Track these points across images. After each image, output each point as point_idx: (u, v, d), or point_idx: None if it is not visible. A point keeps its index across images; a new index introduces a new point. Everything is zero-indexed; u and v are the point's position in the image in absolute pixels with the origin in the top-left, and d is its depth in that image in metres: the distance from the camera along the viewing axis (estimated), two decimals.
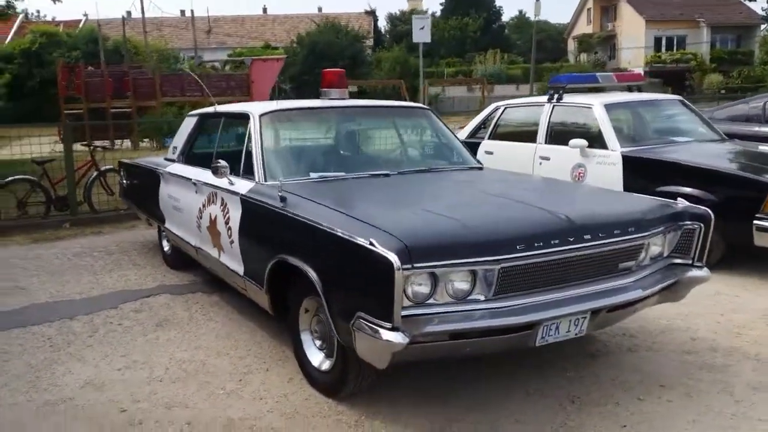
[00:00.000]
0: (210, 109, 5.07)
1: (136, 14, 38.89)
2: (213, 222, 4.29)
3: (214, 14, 55.98)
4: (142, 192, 6.16)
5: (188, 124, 5.52)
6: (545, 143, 6.76)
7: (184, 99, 20.03)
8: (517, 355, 3.66)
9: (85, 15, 50.55)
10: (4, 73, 37.09)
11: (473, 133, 7.79)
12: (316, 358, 3.45)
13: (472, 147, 7.54)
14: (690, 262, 3.54)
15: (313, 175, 3.99)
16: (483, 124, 7.71)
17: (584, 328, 3.13)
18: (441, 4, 55.46)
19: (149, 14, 56.79)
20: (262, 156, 4.01)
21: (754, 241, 5.02)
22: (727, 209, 5.17)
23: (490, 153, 7.40)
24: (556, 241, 2.94)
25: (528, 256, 2.88)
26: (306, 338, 3.51)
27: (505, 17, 54.20)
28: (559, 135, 6.68)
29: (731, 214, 5.15)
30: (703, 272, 3.53)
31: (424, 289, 2.79)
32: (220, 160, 4.02)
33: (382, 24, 58.09)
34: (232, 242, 4.02)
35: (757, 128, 8.04)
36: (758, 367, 3.62)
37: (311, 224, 3.16)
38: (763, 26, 42.26)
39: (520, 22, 57.84)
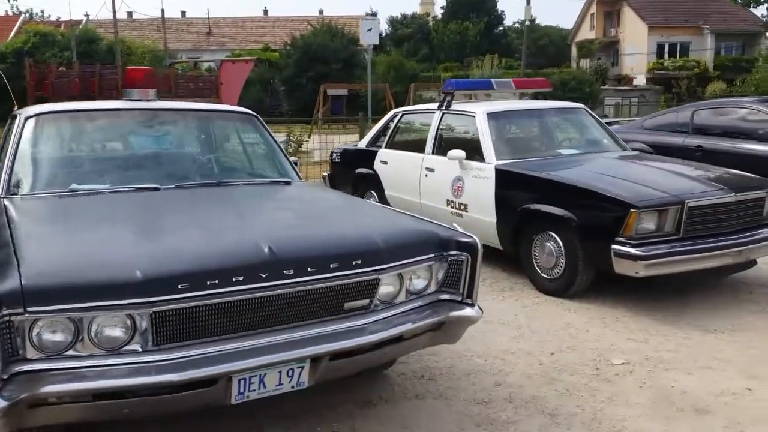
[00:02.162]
0: None
1: (107, 14, 38.55)
2: None
3: (214, 16, 55.58)
4: None
5: None
6: (432, 153, 6.22)
7: None
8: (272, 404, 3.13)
9: (87, 15, 50.37)
10: None
11: (373, 141, 7.27)
12: None
13: (371, 156, 7.05)
14: (459, 298, 3.00)
15: (74, 186, 3.50)
16: (383, 132, 7.17)
17: (304, 380, 2.60)
18: (442, 8, 54.93)
19: (149, 15, 56.70)
20: (12, 164, 3.53)
21: (614, 268, 4.45)
22: (589, 231, 4.63)
23: (385, 163, 6.89)
24: (240, 278, 2.42)
25: (194, 297, 2.36)
26: None
27: (508, 21, 53.51)
28: (446, 145, 6.14)
29: (593, 236, 4.60)
30: (472, 311, 2.98)
31: (60, 338, 2.28)
32: None
33: (384, 27, 57.63)
34: None
35: (683, 139, 7.45)
36: (546, 426, 3.06)
37: None
38: None
39: (523, 28, 57.03)
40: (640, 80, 42.65)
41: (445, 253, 2.95)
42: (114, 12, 32.64)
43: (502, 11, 53.03)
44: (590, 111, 6.35)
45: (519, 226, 5.18)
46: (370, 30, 13.39)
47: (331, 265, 2.59)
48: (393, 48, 50.85)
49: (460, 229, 3.10)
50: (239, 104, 24.30)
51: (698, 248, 4.41)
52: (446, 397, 3.36)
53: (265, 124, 4.38)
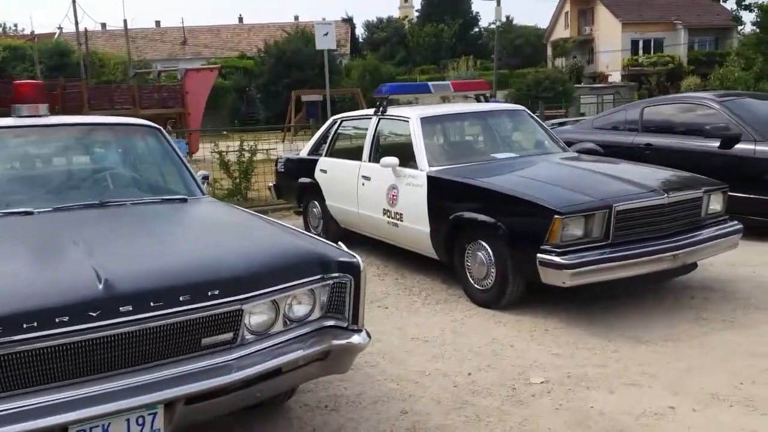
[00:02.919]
0: None
1: (69, 27, 38.10)
2: None
3: (189, 25, 55.13)
4: None
5: None
6: (369, 161, 5.98)
7: (114, 112, 19.26)
8: None
9: (60, 28, 49.76)
10: None
11: (314, 149, 7.02)
12: None
13: (312, 165, 6.80)
14: (345, 324, 2.75)
15: None
16: (323, 139, 6.92)
17: (159, 428, 2.34)
18: (417, 11, 54.86)
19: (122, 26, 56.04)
20: None
21: (541, 278, 4.23)
22: (516, 239, 4.41)
23: (324, 171, 6.64)
24: (64, 319, 2.15)
25: (8, 343, 2.09)
26: None
27: (484, 22, 53.45)
28: (383, 152, 5.91)
29: (519, 244, 4.38)
30: (359, 338, 2.73)
31: None
32: None
33: (360, 31, 57.50)
34: None
35: (632, 138, 7.25)
36: None
37: None
38: (740, 27, 41.49)
39: (501, 28, 57.00)
40: (616, 77, 42.72)
41: (326, 276, 2.70)
42: (76, 23, 31.99)
43: (477, 13, 53.13)
44: (529, 113, 6.13)
45: (451, 236, 4.95)
46: (326, 34, 13.14)
47: (181, 298, 2.33)
48: (369, 52, 50.66)
49: (344, 249, 2.86)
50: (206, 112, 24.02)
51: (628, 254, 4.19)
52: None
53: (168, 137, 4.12)
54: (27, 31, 52.20)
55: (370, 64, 40.04)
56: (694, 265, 4.85)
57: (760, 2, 29.87)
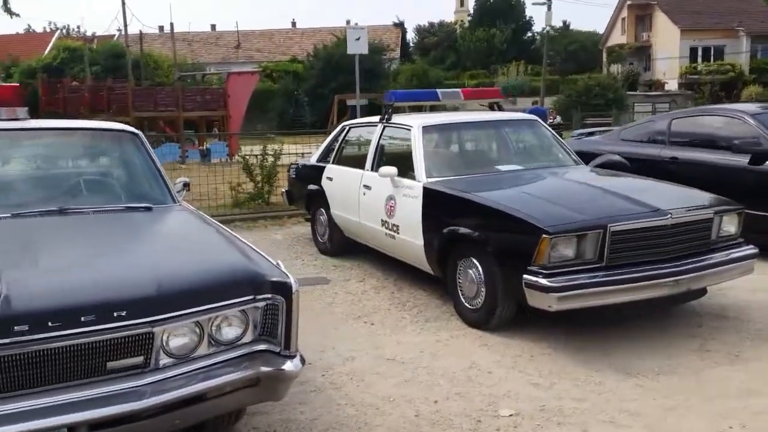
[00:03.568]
0: None
1: (146, 29, 39.14)
2: None
3: (243, 29, 56.06)
4: None
5: None
6: (371, 170, 5.80)
7: (157, 114, 19.64)
8: None
9: (119, 30, 51.24)
10: (26, 88, 37.70)
11: (323, 156, 6.88)
12: None
13: (320, 172, 6.68)
14: (278, 349, 2.58)
15: None
16: (331, 146, 6.78)
17: None
18: (469, 15, 54.41)
19: (181, 29, 57.40)
20: None
21: (527, 301, 3.96)
22: (505, 257, 4.17)
23: (330, 179, 6.50)
24: None
25: None
26: None
27: (537, 27, 52.61)
28: (387, 161, 5.72)
29: (508, 263, 4.13)
30: (290, 365, 2.56)
31: None
32: None
33: (411, 36, 57.41)
34: None
35: (659, 150, 6.87)
36: None
37: None
38: None
39: (556, 33, 56.03)
40: (673, 85, 41.41)
41: (257, 297, 2.54)
42: (125, 26, 32.72)
43: (531, 17, 52.28)
44: (542, 123, 5.84)
45: (444, 250, 4.73)
46: (358, 39, 13.00)
47: (83, 318, 2.20)
48: (419, 56, 50.54)
49: (281, 268, 2.69)
50: (255, 114, 24.19)
51: (623, 278, 3.89)
52: None
53: (146, 143, 4.03)
54: (89, 33, 54.01)
55: (419, 69, 39.88)
56: (703, 291, 4.50)
57: None
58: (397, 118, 5.77)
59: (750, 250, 4.43)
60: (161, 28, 59.00)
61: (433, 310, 4.93)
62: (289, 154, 10.09)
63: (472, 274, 4.45)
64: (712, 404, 3.33)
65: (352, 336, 4.40)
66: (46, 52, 47.62)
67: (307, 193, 6.96)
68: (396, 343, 4.27)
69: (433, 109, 7.07)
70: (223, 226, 3.48)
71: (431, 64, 46.39)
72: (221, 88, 20.79)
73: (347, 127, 6.63)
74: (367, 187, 5.74)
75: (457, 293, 4.65)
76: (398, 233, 5.25)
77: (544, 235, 3.82)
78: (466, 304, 4.56)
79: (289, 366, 2.55)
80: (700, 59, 42.15)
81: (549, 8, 29.43)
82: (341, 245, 6.57)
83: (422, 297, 5.23)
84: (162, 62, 43.26)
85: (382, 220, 5.46)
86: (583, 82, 31.25)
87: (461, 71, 46.42)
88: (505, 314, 4.31)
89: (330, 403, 3.42)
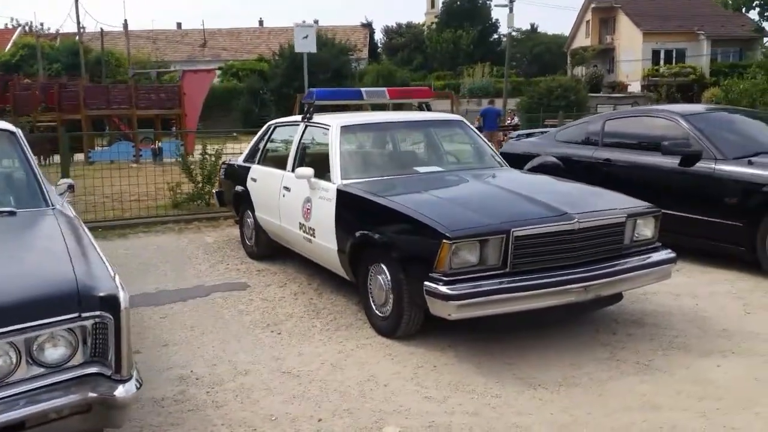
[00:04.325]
0: None
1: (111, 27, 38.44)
2: None
3: (210, 27, 55.38)
4: None
5: None
6: (291, 171, 5.57)
7: (110, 112, 19.14)
8: None
9: (83, 27, 50.20)
10: None
11: (250, 156, 6.64)
12: None
13: (245, 172, 6.44)
14: (110, 372, 2.35)
15: None
16: (257, 146, 6.54)
17: None
18: (436, 17, 54.41)
19: (145, 27, 56.60)
20: None
21: (429, 309, 3.78)
22: (409, 263, 3.98)
23: (255, 180, 6.27)
24: None
25: None
26: None
27: (503, 29, 52.61)
28: (308, 161, 5.51)
29: (412, 269, 3.95)
30: (122, 390, 2.33)
31: None
32: None
33: (379, 36, 57.26)
34: None
35: (593, 152, 6.76)
36: None
37: None
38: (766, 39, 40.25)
39: (521, 36, 56.32)
40: (636, 87, 41.85)
41: (84, 315, 2.30)
42: (78, 22, 32.09)
43: (497, 19, 52.40)
44: (467, 124, 5.67)
45: (355, 255, 4.53)
46: (305, 37, 12.78)
47: None
48: (386, 57, 50.41)
49: (117, 282, 2.46)
50: (219, 113, 23.74)
51: (527, 285, 3.73)
52: None
53: (23, 142, 3.76)
54: (53, 30, 52.79)
55: (384, 69, 39.63)
56: (618, 296, 4.38)
57: None
58: (317, 118, 5.56)
59: (666, 254, 4.31)
60: (125, 25, 58.07)
61: (348, 317, 4.73)
62: (233, 153, 9.81)
63: (381, 280, 4.26)
64: (612, 418, 3.18)
65: (253, 347, 4.18)
66: (7, 49, 46.50)
67: (234, 195, 6.73)
68: (298, 354, 4.06)
69: (375, 108, 6.88)
70: (89, 234, 3.22)
71: (399, 65, 46.24)
72: (176, 86, 20.34)
73: (272, 126, 6.40)
74: (286, 188, 5.52)
75: (368, 300, 4.46)
76: (314, 237, 5.04)
77: (444, 241, 3.65)
78: (377, 312, 4.37)
79: (120, 391, 2.32)
80: (662, 62, 42.70)
81: (511, 10, 29.47)
82: (268, 249, 6.34)
83: (341, 303, 5.03)
84: (124, 60, 42.52)
85: (299, 224, 5.25)
86: (545, 84, 31.35)
87: (428, 72, 46.34)
88: (413, 322, 4.13)
89: (204, 423, 3.19)
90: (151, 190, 9.38)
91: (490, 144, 5.62)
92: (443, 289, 3.63)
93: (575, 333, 4.26)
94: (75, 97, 19.21)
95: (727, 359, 3.83)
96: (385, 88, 6.01)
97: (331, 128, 5.17)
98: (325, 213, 4.82)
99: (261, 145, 6.40)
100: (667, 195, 5.98)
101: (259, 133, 6.61)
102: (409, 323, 4.12)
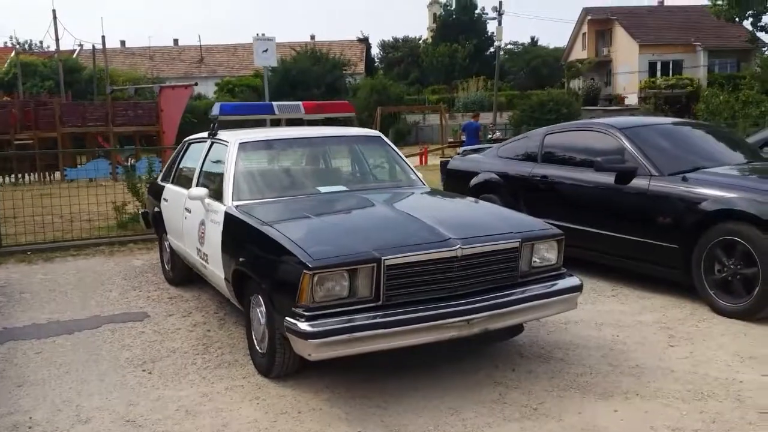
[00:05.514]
0: None
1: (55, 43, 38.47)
2: None
3: (207, 43, 55.51)
4: None
5: None
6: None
7: (86, 129, 18.90)
8: None
9: (80, 45, 50.33)
10: None
11: (165, 175, 6.29)
12: None
13: (160, 192, 6.09)
14: None
15: None
16: (172, 164, 6.19)
17: None
18: (431, 30, 54.31)
19: (143, 43, 56.62)
20: None
21: (293, 347, 3.39)
22: (276, 295, 3.61)
23: (166, 201, 5.91)
24: None
25: None
26: None
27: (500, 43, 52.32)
28: (211, 181, 5.14)
29: (278, 303, 3.57)
30: None
31: None
32: None
33: (375, 51, 57.20)
34: None
35: (531, 168, 6.37)
36: None
37: None
38: (765, 49, 39.80)
39: (518, 49, 56.16)
40: (633, 99, 41.47)
41: None
42: (57, 39, 32.07)
43: (492, 33, 52.10)
44: (385, 140, 5.30)
45: (238, 285, 4.14)
46: (265, 51, 12.48)
47: None
48: (383, 72, 50.31)
49: None
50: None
51: (397, 320, 3.33)
52: None
53: None
54: (52, 49, 52.86)
55: (378, 84, 39.36)
56: (518, 328, 3.98)
57: None
58: (222, 134, 5.20)
59: (571, 282, 3.89)
60: (123, 42, 58.27)
61: (238, 353, 4.34)
62: None
63: (258, 313, 3.88)
64: None
65: (112, 389, 3.79)
66: (5, 67, 46.63)
67: (152, 215, 6.38)
68: (156, 398, 3.66)
69: (292, 123, 6.53)
70: None
71: (395, 79, 46.08)
72: (154, 102, 20.10)
73: (187, 143, 6.05)
74: (188, 210, 5.16)
75: (250, 335, 4.07)
76: (207, 263, 4.67)
77: (305, 271, 3.26)
78: (257, 347, 3.99)
79: None
80: (659, 73, 42.34)
81: (499, 23, 29.20)
82: (183, 273, 5.97)
83: (237, 337, 4.64)
84: (118, 77, 42.48)
85: (197, 248, 4.88)
86: (537, 98, 31.03)
87: (423, 87, 46.17)
88: (288, 362, 3.72)
89: None
90: (111, 209, 9.04)
91: (407, 161, 5.23)
92: (302, 325, 3.24)
93: (470, 369, 3.86)
94: (52, 115, 18.98)
95: (628, 402, 3.42)
96: (300, 103, 5.64)
97: (229, 145, 4.82)
98: (215, 237, 4.45)
99: (175, 164, 6.04)
100: (603, 214, 5.63)
101: (176, 150, 6.26)
102: (284, 363, 3.72)
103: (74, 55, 47.92)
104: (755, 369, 3.78)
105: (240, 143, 4.80)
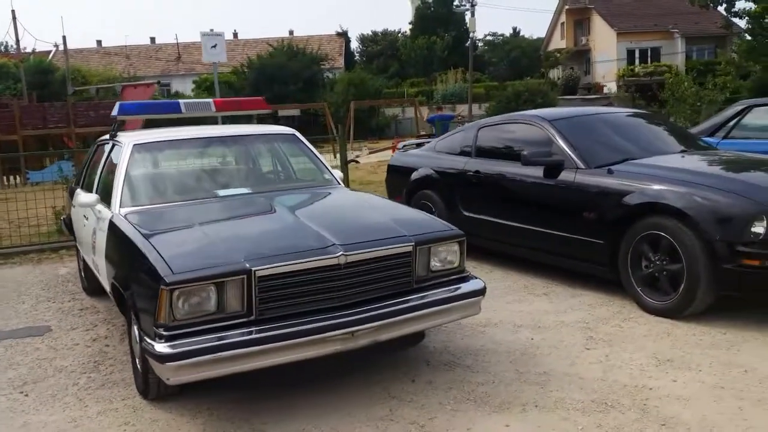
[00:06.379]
0: None
1: (75, 44, 37.93)
2: None
3: (184, 41, 54.84)
4: None
5: None
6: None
7: (47, 131, 18.47)
8: None
9: (56, 46, 49.60)
10: None
11: (77, 180, 5.97)
12: None
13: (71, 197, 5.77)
14: None
15: None
16: (84, 167, 5.87)
17: None
18: (410, 23, 53.93)
19: (120, 42, 56.00)
20: None
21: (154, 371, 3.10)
22: (140, 314, 3.30)
23: (73, 206, 5.58)
24: None
25: None
26: None
27: (478, 34, 52.01)
28: (106, 185, 4.83)
29: (143, 321, 3.26)
30: None
31: None
32: None
33: (355, 45, 56.75)
34: None
35: (465, 162, 6.10)
36: None
37: None
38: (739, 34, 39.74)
39: (498, 40, 55.75)
40: (612, 87, 41.32)
41: None
42: (17, 40, 31.60)
43: None
44: (299, 137, 5.00)
45: (118, 300, 3.85)
46: (214, 46, 12.13)
47: None
48: (361, 65, 49.89)
49: None
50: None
51: (271, 336, 3.05)
52: None
53: None
54: (29, 50, 52.03)
55: (356, 78, 38.98)
56: (419, 335, 3.71)
57: (749, 9, 28.45)
58: (120, 135, 4.89)
59: (473, 285, 3.62)
60: (99, 42, 57.48)
61: (128, 371, 4.01)
62: None
63: (135, 330, 3.58)
64: None
65: None
66: None
67: (66, 221, 6.08)
68: (22, 424, 3.38)
69: (223, 121, 6.23)
70: None
71: (375, 73, 45.65)
72: (115, 102, 19.69)
73: (96, 145, 5.73)
74: (85, 217, 4.85)
75: (133, 354, 3.78)
76: (99, 274, 4.38)
77: (161, 286, 2.97)
78: (137, 365, 3.69)
79: None
80: (637, 61, 42.23)
81: (473, 14, 28.99)
82: (97, 282, 5.62)
83: None
84: (91, 77, 41.85)
85: (92, 258, 4.59)
86: (512, 88, 30.79)
87: (402, 80, 45.83)
88: (164, 383, 3.43)
89: None
90: (40, 214, 8.69)
91: (322, 159, 4.93)
92: (158, 347, 2.96)
93: (367, 380, 3.59)
94: (12, 117, 18.53)
95: (524, 415, 3.16)
96: (210, 100, 5.34)
97: (122, 146, 4.52)
98: (101, 247, 4.15)
99: (85, 167, 5.73)
100: (533, 210, 5.37)
101: (88, 152, 5.95)
102: (159, 384, 3.43)
103: (49, 57, 47.24)
104: (669, 374, 3.54)
105: (134, 144, 4.50)
